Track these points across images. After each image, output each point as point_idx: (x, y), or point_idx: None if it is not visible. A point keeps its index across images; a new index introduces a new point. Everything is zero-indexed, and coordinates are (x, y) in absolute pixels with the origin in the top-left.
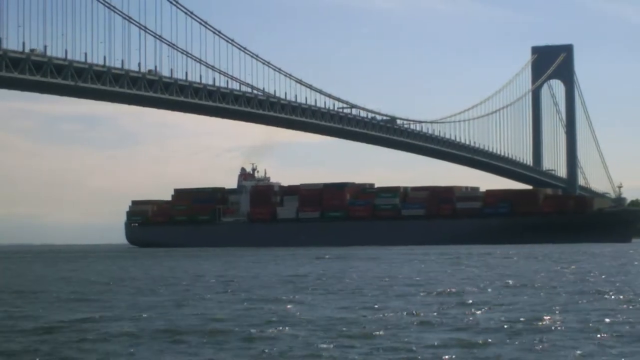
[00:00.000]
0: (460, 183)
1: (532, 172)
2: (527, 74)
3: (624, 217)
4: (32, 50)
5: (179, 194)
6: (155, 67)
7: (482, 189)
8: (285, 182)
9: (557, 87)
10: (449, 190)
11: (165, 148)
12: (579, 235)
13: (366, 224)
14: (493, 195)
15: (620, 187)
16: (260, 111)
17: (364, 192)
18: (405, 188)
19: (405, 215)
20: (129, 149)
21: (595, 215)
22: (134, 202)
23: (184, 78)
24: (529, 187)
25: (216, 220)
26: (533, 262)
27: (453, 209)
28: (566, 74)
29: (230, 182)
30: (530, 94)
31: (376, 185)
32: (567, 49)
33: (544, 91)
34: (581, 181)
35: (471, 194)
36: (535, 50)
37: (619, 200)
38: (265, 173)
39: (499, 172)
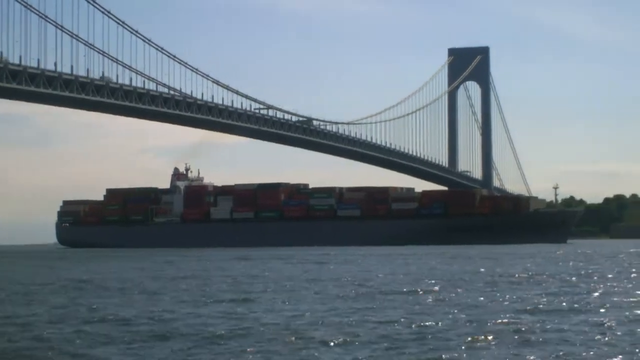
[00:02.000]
0: (393, 184)
1: (447, 174)
2: (444, 76)
3: (560, 217)
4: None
5: (112, 193)
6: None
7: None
8: (217, 183)
9: (473, 88)
10: (384, 191)
11: (83, 148)
12: (516, 236)
13: (301, 224)
14: (429, 196)
15: (556, 187)
16: (177, 112)
17: (299, 192)
18: (341, 188)
19: (340, 216)
20: (47, 148)
21: (531, 216)
22: (65, 202)
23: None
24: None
25: (149, 221)
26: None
27: (388, 210)
28: (482, 76)
29: (147, 181)
30: (447, 95)
31: (310, 186)
32: (483, 51)
33: (460, 93)
34: (496, 182)
35: (407, 194)
36: (452, 52)
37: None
38: (199, 173)
39: (415, 174)
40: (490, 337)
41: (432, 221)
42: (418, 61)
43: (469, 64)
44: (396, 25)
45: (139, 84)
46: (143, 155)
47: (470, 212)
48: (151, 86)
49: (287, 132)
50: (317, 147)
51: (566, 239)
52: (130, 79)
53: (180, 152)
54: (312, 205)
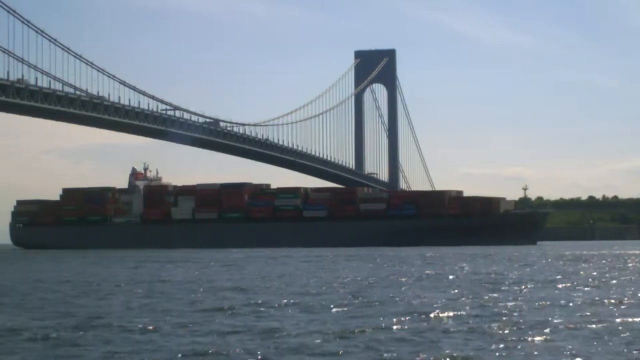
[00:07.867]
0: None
1: (354, 176)
2: (350, 78)
3: (530, 219)
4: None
5: (68, 193)
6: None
7: None
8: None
9: (380, 91)
10: (352, 191)
11: None
12: (486, 238)
13: (267, 225)
14: (398, 196)
15: (525, 189)
16: (83, 112)
17: (263, 193)
18: (306, 189)
19: (307, 217)
20: None
21: (501, 217)
22: (19, 202)
23: (6, 77)
24: None
25: (107, 221)
26: None
27: (356, 210)
28: (388, 79)
29: (52, 182)
30: (353, 97)
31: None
32: (390, 54)
33: (367, 95)
34: (402, 185)
35: (375, 195)
36: (358, 54)
37: None
38: (157, 172)
39: (321, 176)
40: None
41: (401, 222)
42: (325, 63)
43: (375, 67)
44: (303, 28)
45: (45, 84)
46: (46, 155)
47: (440, 214)
48: (57, 86)
49: (194, 133)
50: (223, 148)
51: (536, 240)
52: (36, 79)
53: (84, 153)
54: (278, 206)
